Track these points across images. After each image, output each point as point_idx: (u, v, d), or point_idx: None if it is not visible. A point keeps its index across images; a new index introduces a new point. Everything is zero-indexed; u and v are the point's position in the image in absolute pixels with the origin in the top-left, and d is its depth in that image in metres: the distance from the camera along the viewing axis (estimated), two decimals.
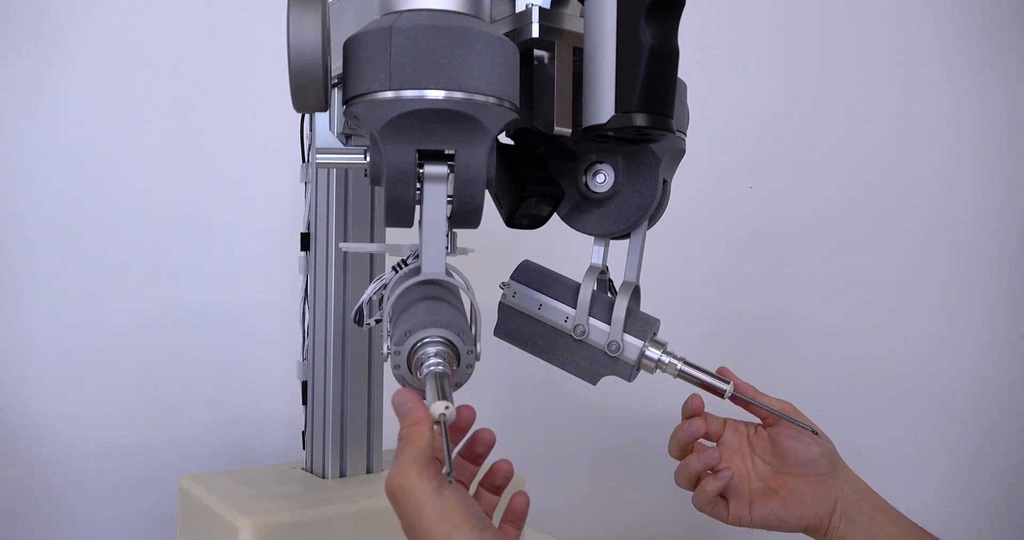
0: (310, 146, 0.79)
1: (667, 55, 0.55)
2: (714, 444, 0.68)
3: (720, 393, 0.65)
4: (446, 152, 0.54)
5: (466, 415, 0.54)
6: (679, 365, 0.66)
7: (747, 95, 1.44)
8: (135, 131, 1.01)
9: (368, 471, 0.81)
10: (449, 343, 0.55)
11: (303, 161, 0.81)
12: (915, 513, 0.66)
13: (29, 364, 0.96)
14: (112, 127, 1.00)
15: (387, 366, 0.58)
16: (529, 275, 0.71)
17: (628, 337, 0.66)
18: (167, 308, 1.03)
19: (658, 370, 0.67)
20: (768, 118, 1.40)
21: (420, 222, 0.57)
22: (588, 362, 0.68)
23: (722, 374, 0.67)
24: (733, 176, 1.39)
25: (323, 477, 0.79)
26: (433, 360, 0.54)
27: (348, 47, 0.55)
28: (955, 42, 1.52)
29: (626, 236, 0.70)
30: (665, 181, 0.68)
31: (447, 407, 0.48)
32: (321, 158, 0.57)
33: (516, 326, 0.71)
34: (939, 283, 1.53)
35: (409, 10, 0.53)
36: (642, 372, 0.68)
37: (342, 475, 0.79)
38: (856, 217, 1.49)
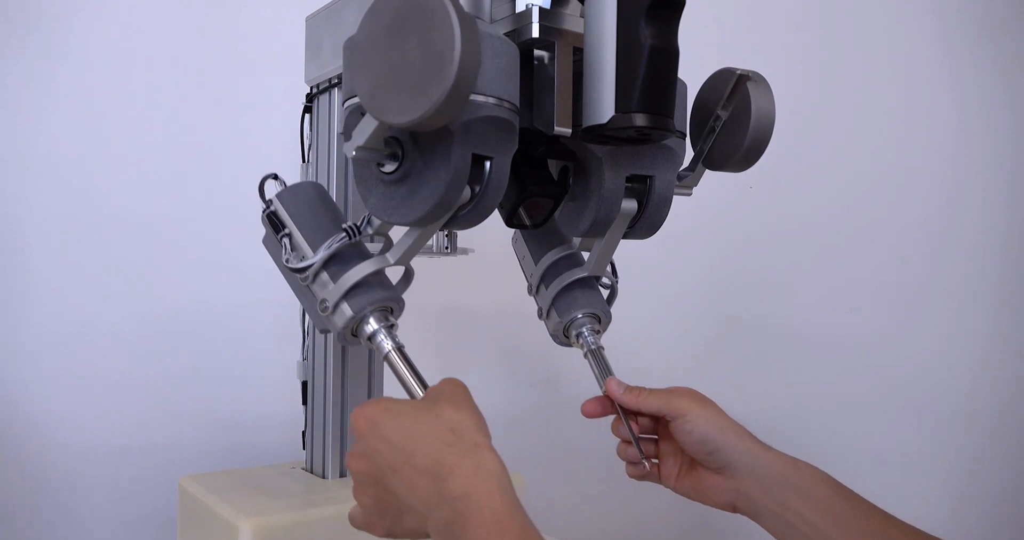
0: (310, 146, 0.79)
1: (667, 55, 0.55)
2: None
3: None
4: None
5: None
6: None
7: None
8: (133, 132, 1.01)
9: None
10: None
11: (303, 161, 0.81)
12: (916, 514, 0.66)
13: (28, 366, 0.96)
14: (110, 128, 1.00)
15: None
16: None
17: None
18: (167, 309, 1.03)
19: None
20: None
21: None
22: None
23: (608, 387, 0.68)
24: (733, 176, 1.39)
25: (323, 477, 0.79)
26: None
27: None
28: (957, 41, 1.52)
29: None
30: (652, 178, 0.67)
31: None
32: (361, 152, 0.54)
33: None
34: (942, 285, 1.53)
35: None
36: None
37: (342, 475, 0.79)
38: (858, 217, 1.49)
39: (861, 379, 1.49)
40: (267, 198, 0.64)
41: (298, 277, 0.61)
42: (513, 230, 0.77)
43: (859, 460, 1.42)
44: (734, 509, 0.64)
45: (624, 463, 0.71)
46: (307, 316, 0.82)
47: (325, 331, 0.65)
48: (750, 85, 0.68)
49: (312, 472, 0.81)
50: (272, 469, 0.83)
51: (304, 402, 0.82)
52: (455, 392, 0.53)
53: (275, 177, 0.66)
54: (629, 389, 0.67)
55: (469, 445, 0.49)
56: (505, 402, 1.26)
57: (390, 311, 0.62)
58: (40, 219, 0.97)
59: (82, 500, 0.99)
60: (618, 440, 0.70)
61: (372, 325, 0.60)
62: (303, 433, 0.83)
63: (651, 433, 0.70)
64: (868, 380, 1.49)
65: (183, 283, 1.04)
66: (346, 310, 0.59)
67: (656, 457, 0.69)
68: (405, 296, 0.63)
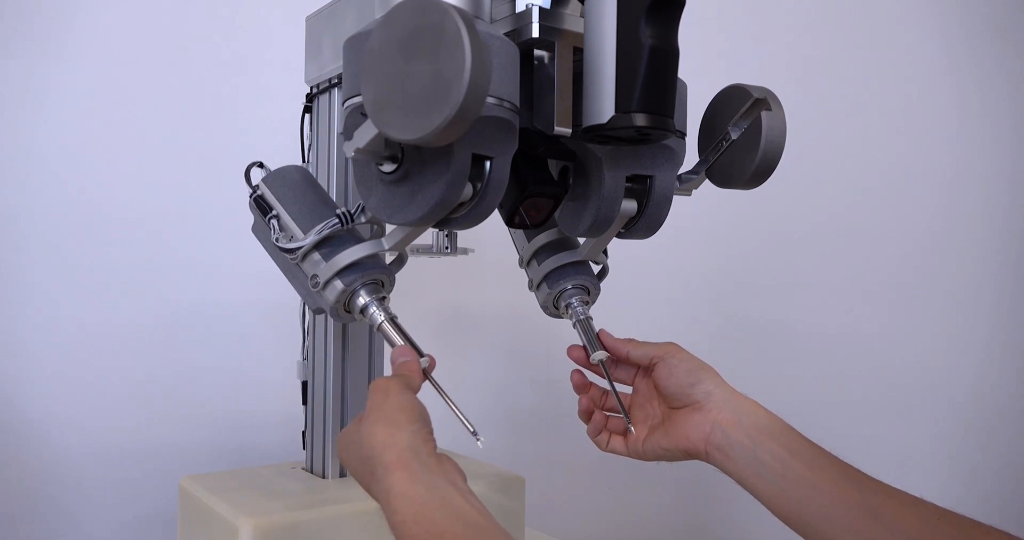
0: (310, 146, 0.79)
1: (667, 55, 0.55)
2: (629, 389, 0.74)
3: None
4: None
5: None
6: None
7: None
8: (132, 132, 1.01)
9: None
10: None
11: (303, 161, 0.81)
12: None
13: (28, 366, 0.96)
14: (109, 128, 1.00)
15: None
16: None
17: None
18: (167, 309, 1.03)
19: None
20: None
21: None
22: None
23: (601, 337, 0.72)
24: None
25: (323, 477, 0.79)
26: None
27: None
28: (958, 42, 1.52)
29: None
30: (652, 178, 0.67)
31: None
32: (360, 153, 0.55)
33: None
34: (942, 285, 1.53)
35: None
36: None
37: (342, 475, 0.79)
38: (859, 218, 1.49)
39: (861, 379, 1.49)
40: (253, 184, 0.65)
41: (287, 256, 0.62)
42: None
43: (859, 460, 1.42)
44: (706, 449, 0.66)
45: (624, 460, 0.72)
46: (307, 316, 0.82)
47: (318, 311, 0.67)
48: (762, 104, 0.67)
49: (312, 472, 0.81)
50: (272, 469, 0.83)
51: (304, 402, 0.82)
52: (370, 410, 0.54)
53: (260, 165, 0.67)
54: (623, 339, 0.72)
55: (380, 478, 0.51)
56: (505, 402, 1.26)
57: (380, 285, 0.63)
58: (39, 219, 0.97)
59: (82, 500, 0.99)
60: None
61: (364, 298, 0.62)
62: (303, 433, 0.83)
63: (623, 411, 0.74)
64: (868, 380, 1.49)
65: (183, 283, 1.04)
66: (337, 285, 0.61)
67: (625, 435, 0.72)
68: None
